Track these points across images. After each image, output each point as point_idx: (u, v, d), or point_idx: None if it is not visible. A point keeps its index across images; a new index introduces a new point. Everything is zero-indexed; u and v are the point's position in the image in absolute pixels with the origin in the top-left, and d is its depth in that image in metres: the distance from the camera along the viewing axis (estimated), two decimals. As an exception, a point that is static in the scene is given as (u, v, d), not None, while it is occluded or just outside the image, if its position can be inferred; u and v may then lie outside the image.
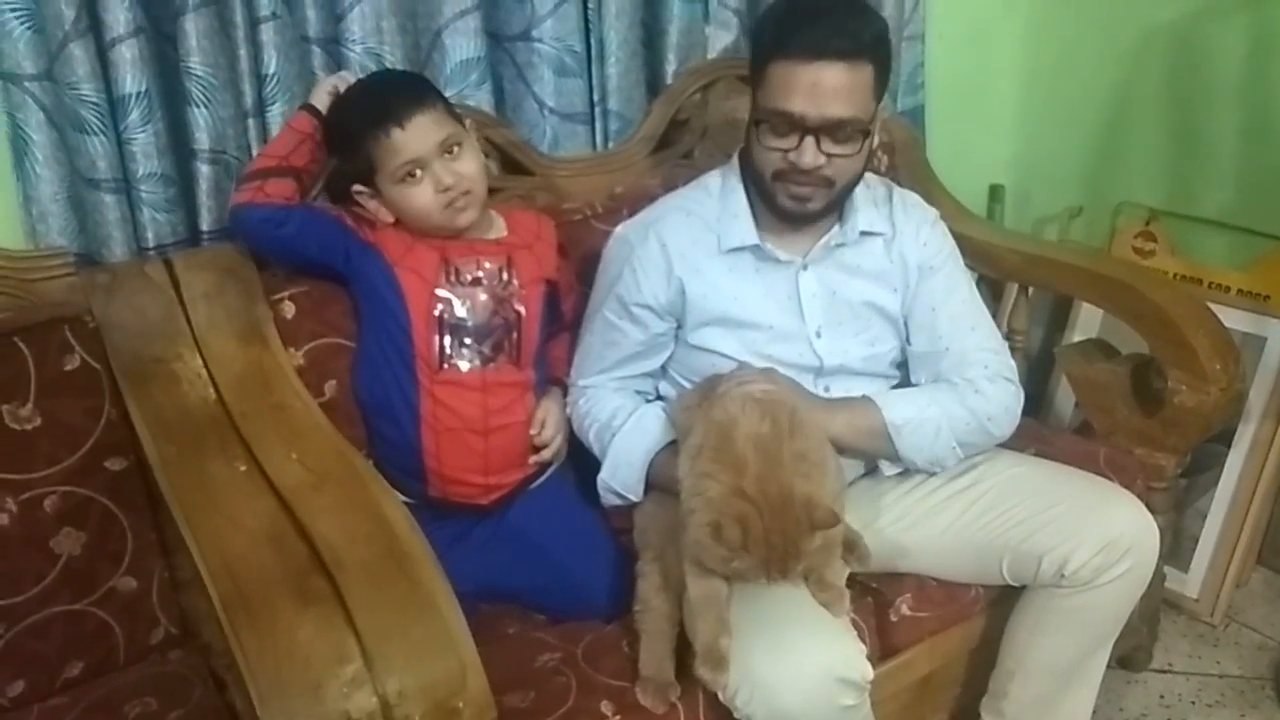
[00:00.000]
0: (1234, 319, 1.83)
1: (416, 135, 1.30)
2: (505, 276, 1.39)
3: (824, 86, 1.22)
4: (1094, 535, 1.25)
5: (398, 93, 1.32)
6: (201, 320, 1.31)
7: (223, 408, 1.23)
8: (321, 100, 1.36)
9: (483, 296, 1.37)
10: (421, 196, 1.32)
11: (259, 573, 0.97)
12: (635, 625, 1.22)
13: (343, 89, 1.37)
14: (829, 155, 1.26)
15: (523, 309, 1.40)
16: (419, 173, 1.31)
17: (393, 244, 1.36)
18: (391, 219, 1.36)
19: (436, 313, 1.35)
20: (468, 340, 1.36)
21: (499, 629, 1.34)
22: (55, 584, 1.24)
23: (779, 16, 1.27)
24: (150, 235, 1.40)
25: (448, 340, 1.35)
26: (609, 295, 1.39)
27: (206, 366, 1.27)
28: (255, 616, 0.93)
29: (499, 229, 1.43)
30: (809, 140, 1.25)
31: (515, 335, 1.39)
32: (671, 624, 1.20)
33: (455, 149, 1.33)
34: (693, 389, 1.33)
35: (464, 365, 1.36)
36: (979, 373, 1.35)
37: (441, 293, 1.35)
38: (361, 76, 1.41)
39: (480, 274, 1.38)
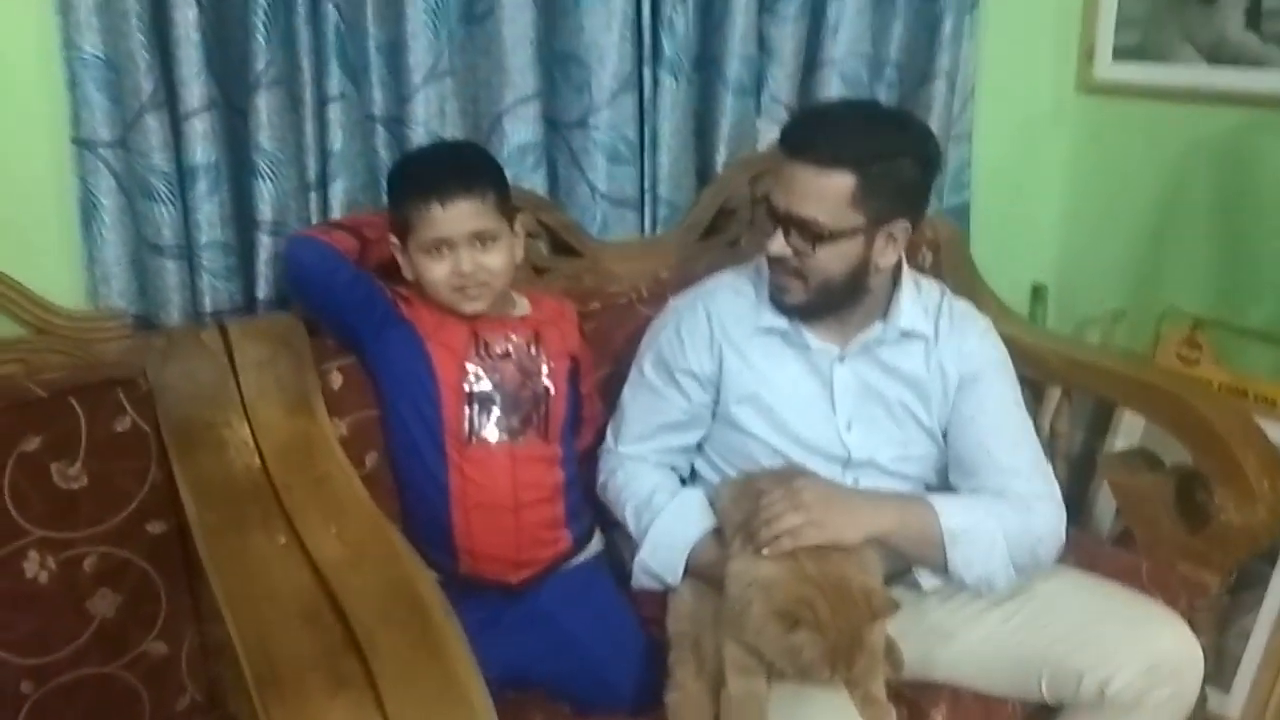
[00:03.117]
0: (1280, 434, 1.80)
1: (453, 218, 1.31)
2: (533, 351, 1.41)
3: (795, 183, 1.27)
4: (1138, 656, 1.23)
5: (454, 170, 1.34)
6: (252, 388, 1.32)
7: (266, 477, 1.23)
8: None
9: (511, 369, 1.38)
10: (436, 272, 1.34)
11: (293, 651, 0.97)
12: (667, 716, 1.20)
13: None
14: (795, 250, 1.29)
15: (550, 384, 1.41)
16: (445, 250, 1.33)
17: (426, 320, 1.38)
18: (412, 275, 1.38)
19: (466, 386, 1.36)
20: (496, 413, 1.37)
21: (524, 718, 1.32)
22: (87, 645, 1.25)
23: (799, 111, 1.35)
24: (208, 301, 1.43)
25: (476, 412, 1.36)
26: (655, 359, 1.42)
27: (253, 434, 1.28)
28: (286, 697, 0.92)
29: (523, 307, 1.45)
30: (779, 231, 1.30)
31: (543, 409, 1.40)
32: (705, 715, 1.17)
33: (488, 242, 1.35)
34: (736, 480, 1.32)
35: (492, 438, 1.36)
36: (1025, 488, 1.31)
37: (471, 366, 1.37)
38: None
39: (509, 347, 1.39)
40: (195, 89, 1.34)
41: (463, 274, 1.33)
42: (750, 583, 1.09)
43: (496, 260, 1.36)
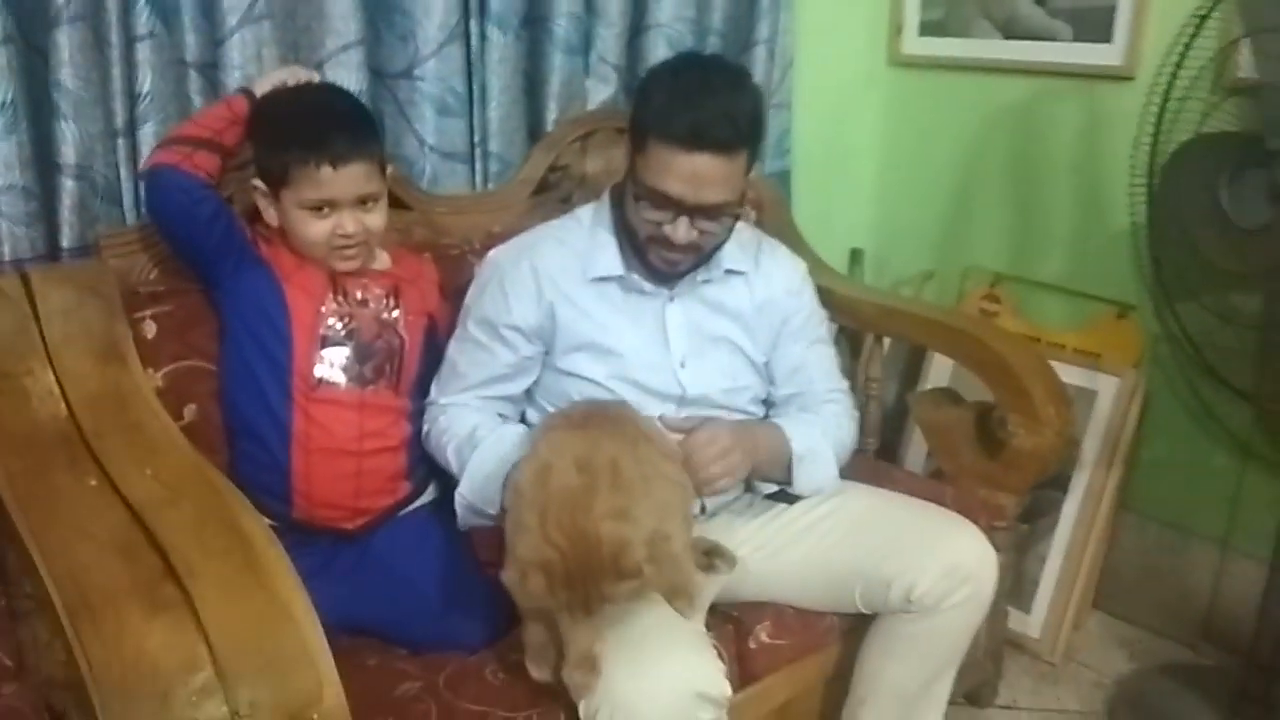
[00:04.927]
0: (1069, 374, 1.97)
1: (343, 181, 1.30)
2: (391, 303, 1.41)
3: (702, 175, 1.26)
4: (938, 561, 1.33)
5: (344, 128, 1.31)
6: (56, 336, 1.26)
7: (74, 425, 1.18)
8: (264, 90, 1.36)
9: (368, 317, 1.39)
10: (316, 230, 1.32)
11: (106, 581, 0.94)
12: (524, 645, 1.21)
13: (290, 84, 1.37)
14: (701, 231, 1.32)
15: (406, 336, 1.42)
16: (326, 210, 1.32)
17: (285, 261, 1.36)
18: (276, 223, 1.35)
19: (321, 330, 1.35)
20: (348, 359, 1.37)
21: (359, 660, 1.30)
22: (-125, 610, 1.16)
23: (664, 94, 1.27)
24: (6, 249, 1.35)
25: (328, 356, 1.35)
26: (479, 316, 1.41)
27: (59, 383, 1.22)
28: (100, 623, 0.90)
29: (384, 261, 1.45)
30: (683, 219, 1.30)
31: (396, 361, 1.41)
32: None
33: (371, 203, 1.35)
34: (558, 413, 1.35)
35: (341, 383, 1.36)
36: (836, 408, 1.49)
37: (326, 309, 1.36)
38: (317, 82, 1.42)
39: (368, 297, 1.40)
40: (-13, 22, 1.27)
41: (346, 235, 1.33)
42: (509, 539, 1.14)
43: (378, 220, 1.36)
